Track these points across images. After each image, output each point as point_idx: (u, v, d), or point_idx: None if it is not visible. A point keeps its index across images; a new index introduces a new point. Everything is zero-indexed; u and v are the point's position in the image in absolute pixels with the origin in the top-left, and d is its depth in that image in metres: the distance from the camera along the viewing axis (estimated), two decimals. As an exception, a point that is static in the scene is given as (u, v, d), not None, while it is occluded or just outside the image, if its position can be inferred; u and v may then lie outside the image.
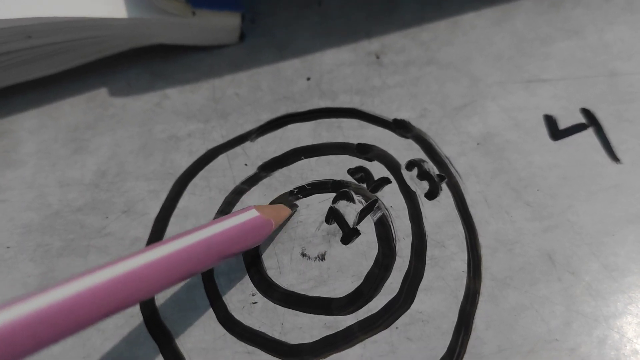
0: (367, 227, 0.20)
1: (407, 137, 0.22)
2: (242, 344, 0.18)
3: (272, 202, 0.21)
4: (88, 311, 0.13)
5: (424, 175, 0.21)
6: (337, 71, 0.24)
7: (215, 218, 0.21)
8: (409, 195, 0.21)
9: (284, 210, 0.20)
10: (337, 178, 0.21)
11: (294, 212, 0.21)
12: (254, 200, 0.21)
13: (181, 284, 0.19)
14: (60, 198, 0.21)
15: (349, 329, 0.18)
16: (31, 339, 0.12)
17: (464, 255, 0.19)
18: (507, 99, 0.23)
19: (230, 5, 0.24)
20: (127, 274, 0.14)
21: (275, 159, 0.22)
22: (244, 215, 0.18)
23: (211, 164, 0.22)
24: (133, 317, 0.19)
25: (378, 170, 0.22)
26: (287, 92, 0.24)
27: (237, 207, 0.21)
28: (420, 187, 0.21)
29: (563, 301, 0.18)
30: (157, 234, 0.21)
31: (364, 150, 0.22)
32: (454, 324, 0.18)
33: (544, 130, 0.22)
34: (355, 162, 0.22)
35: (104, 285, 0.14)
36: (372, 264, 0.19)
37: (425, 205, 0.21)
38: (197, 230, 0.17)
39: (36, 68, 0.24)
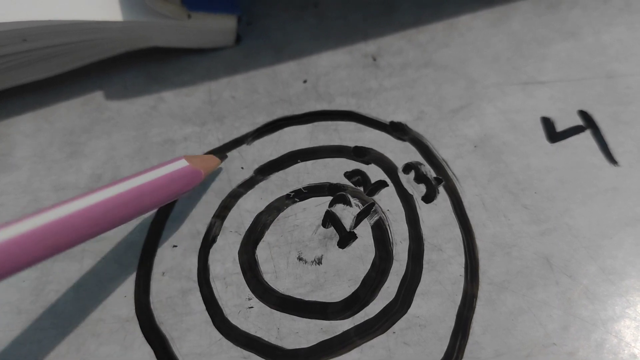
0: (364, 231, 0.20)
1: (404, 140, 0.22)
2: (238, 349, 0.18)
3: (269, 204, 0.21)
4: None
5: (421, 178, 0.21)
6: (334, 73, 0.24)
7: (211, 220, 0.21)
8: (406, 199, 0.21)
9: (212, 160, 0.21)
10: (334, 181, 0.21)
11: (223, 161, 0.22)
12: (251, 204, 0.21)
13: (176, 287, 0.19)
14: (55, 202, 0.21)
15: (345, 333, 0.18)
16: None
17: (461, 259, 0.19)
18: (504, 100, 0.23)
19: (226, 8, 0.24)
20: (62, 219, 0.15)
21: (271, 162, 0.22)
22: (174, 165, 0.19)
23: (207, 168, 0.22)
24: (128, 321, 0.19)
25: (375, 173, 0.21)
26: (284, 94, 0.24)
27: (234, 210, 0.21)
28: (417, 190, 0.21)
29: (561, 305, 0.18)
30: (153, 238, 0.20)
31: (361, 153, 0.22)
32: (452, 329, 0.18)
33: (541, 133, 0.22)
34: (352, 165, 0.22)
35: (37, 231, 0.15)
36: (369, 268, 0.19)
37: (422, 208, 0.20)
38: (129, 179, 0.18)
39: (32, 71, 0.24)
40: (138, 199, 0.17)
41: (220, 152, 0.22)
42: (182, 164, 0.19)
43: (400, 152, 0.22)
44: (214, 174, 0.22)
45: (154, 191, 0.18)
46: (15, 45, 0.22)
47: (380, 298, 0.19)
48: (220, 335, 0.18)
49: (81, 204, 0.16)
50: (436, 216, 0.20)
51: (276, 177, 0.22)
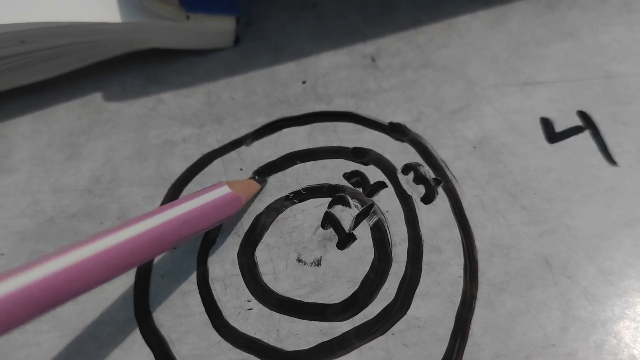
0: (363, 232, 0.20)
1: (402, 141, 0.22)
2: (238, 350, 0.18)
3: (268, 206, 0.21)
4: (62, 289, 0.14)
5: (420, 179, 0.21)
6: (333, 74, 0.24)
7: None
8: (405, 200, 0.21)
9: (253, 186, 0.21)
10: (333, 182, 0.21)
11: (263, 187, 0.21)
12: (250, 206, 0.21)
13: (176, 288, 0.19)
14: (54, 204, 0.21)
15: (344, 335, 0.18)
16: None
17: (460, 260, 0.19)
18: (503, 101, 0.23)
19: (225, 9, 0.24)
20: (106, 251, 0.15)
21: (270, 163, 0.22)
22: (217, 192, 0.19)
23: (206, 169, 0.22)
24: (127, 323, 0.19)
25: (374, 174, 0.21)
26: (283, 95, 0.24)
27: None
28: (416, 191, 0.21)
29: (560, 306, 0.18)
30: (152, 240, 0.20)
31: (360, 155, 0.22)
32: (451, 330, 0.18)
33: (540, 133, 0.22)
34: (351, 166, 0.22)
35: (83, 263, 0.14)
36: (368, 269, 0.19)
37: (421, 209, 0.20)
38: (172, 207, 0.17)
39: (30, 73, 0.24)
40: (180, 228, 0.17)
41: (222, 153, 0.22)
42: (225, 190, 0.19)
43: (399, 153, 0.22)
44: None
45: (197, 220, 0.18)
46: (13, 47, 0.22)
47: (380, 299, 0.19)
48: (220, 337, 0.18)
49: (124, 236, 0.16)
50: (435, 217, 0.20)
51: (275, 179, 0.22)
